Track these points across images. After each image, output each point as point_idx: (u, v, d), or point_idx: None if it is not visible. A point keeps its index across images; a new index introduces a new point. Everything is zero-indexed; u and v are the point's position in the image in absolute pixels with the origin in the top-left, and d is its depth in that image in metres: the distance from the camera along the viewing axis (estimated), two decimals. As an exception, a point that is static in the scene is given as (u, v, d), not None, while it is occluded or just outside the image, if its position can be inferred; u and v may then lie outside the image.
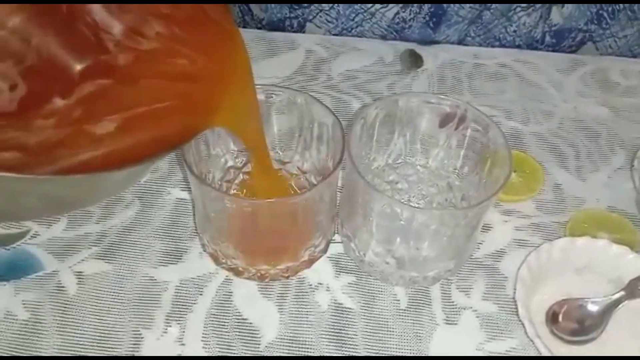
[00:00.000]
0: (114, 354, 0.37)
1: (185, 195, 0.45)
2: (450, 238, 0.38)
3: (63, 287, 0.40)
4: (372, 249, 0.39)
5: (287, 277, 0.40)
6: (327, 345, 0.38)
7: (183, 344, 0.37)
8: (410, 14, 0.57)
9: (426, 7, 0.56)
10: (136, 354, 0.37)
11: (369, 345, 0.38)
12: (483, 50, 0.58)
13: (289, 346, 0.38)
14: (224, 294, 0.40)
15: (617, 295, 0.39)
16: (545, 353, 0.36)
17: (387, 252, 0.39)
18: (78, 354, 0.37)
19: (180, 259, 0.42)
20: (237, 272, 0.40)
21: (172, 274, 0.41)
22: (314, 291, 0.40)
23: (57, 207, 0.29)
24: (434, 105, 0.40)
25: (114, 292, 0.40)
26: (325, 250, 0.42)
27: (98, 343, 0.37)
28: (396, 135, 0.42)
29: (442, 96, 0.40)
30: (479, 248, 0.43)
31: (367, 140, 0.41)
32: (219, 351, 0.37)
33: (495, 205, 0.45)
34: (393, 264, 0.39)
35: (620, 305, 0.39)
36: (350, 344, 0.38)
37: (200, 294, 0.40)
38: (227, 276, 0.41)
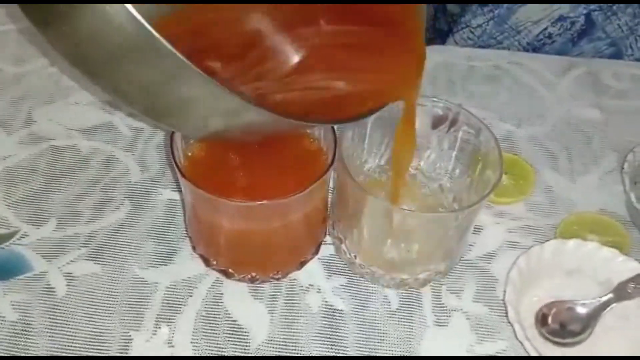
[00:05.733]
0: (103, 355, 0.37)
1: (176, 196, 0.45)
2: (441, 240, 0.38)
3: (52, 288, 0.39)
4: (363, 250, 0.39)
5: (278, 279, 0.40)
6: (317, 347, 0.38)
7: (172, 346, 0.37)
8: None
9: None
10: (125, 356, 0.37)
11: (359, 347, 0.38)
12: (476, 52, 0.58)
13: (280, 348, 0.38)
14: (214, 296, 0.40)
15: (605, 298, 0.39)
16: (534, 355, 0.36)
17: (378, 254, 0.39)
18: (67, 355, 0.37)
19: (170, 260, 0.41)
20: (227, 274, 0.40)
21: (162, 275, 0.41)
22: (304, 293, 0.40)
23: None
24: (426, 107, 0.40)
25: (103, 294, 0.39)
26: (316, 252, 0.42)
27: (87, 344, 0.37)
28: (388, 136, 0.42)
29: (434, 98, 0.40)
30: (470, 250, 0.43)
31: (359, 142, 0.41)
32: (209, 353, 0.37)
33: (487, 207, 0.45)
34: (384, 266, 0.39)
35: (608, 308, 0.39)
36: (341, 346, 0.38)
37: (190, 296, 0.40)
38: (217, 278, 0.40)
